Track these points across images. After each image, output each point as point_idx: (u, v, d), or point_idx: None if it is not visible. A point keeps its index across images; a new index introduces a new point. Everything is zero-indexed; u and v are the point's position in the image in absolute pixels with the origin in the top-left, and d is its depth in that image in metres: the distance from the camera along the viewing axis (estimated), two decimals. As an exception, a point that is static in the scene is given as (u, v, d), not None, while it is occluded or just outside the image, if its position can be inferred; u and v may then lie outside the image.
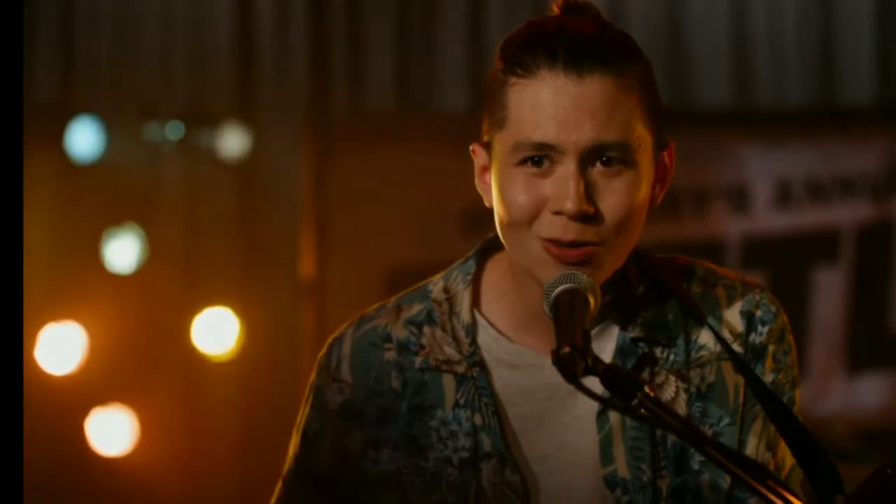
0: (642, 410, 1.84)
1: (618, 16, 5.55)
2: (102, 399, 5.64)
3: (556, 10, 2.08)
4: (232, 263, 5.72)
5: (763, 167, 5.90)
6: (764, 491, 1.79)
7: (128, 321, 5.64)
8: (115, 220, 5.66)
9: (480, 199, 2.11)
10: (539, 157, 1.97)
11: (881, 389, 5.91)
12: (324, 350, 2.17)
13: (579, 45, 1.97)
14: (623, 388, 1.85)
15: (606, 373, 1.85)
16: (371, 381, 2.11)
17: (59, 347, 5.60)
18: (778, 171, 5.90)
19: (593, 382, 1.85)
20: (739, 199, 5.90)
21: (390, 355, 2.11)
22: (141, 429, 5.66)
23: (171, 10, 5.62)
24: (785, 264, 5.91)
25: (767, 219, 5.90)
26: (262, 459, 5.34)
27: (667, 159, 2.07)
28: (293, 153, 5.79)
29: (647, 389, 1.84)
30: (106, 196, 5.69)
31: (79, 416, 5.65)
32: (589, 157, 1.97)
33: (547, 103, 1.96)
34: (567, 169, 1.96)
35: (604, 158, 1.97)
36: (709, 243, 5.88)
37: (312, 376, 2.17)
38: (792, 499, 1.78)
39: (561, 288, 1.93)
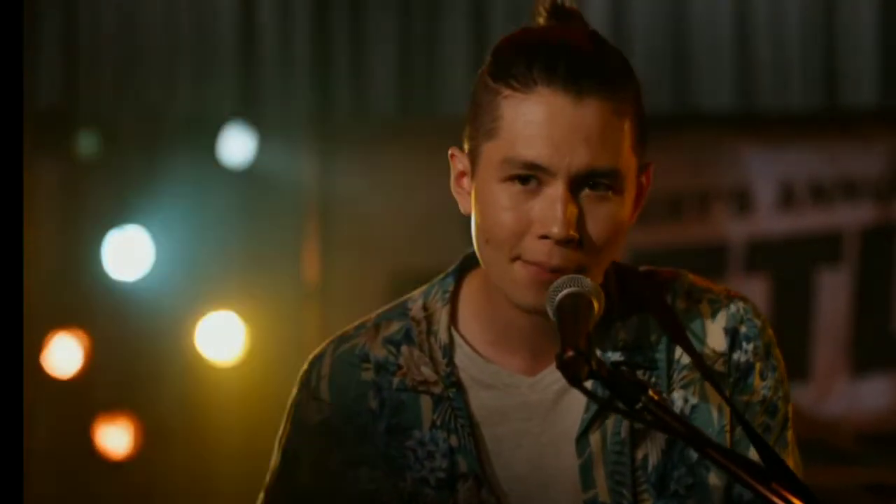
0: (646, 414, 1.84)
1: (619, 18, 5.54)
2: (107, 404, 5.65)
3: (542, 13, 2.05)
4: (235, 267, 5.72)
5: (765, 169, 5.90)
6: (768, 494, 1.78)
7: (132, 325, 5.64)
8: (118, 224, 5.67)
9: None
10: (527, 175, 1.95)
11: (885, 391, 5.91)
12: (304, 367, 2.16)
13: (579, 64, 1.95)
14: (627, 391, 1.84)
15: (610, 376, 1.84)
16: (349, 402, 2.10)
17: (66, 352, 5.60)
18: (780, 173, 5.90)
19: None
20: (742, 201, 5.90)
21: (368, 375, 2.10)
22: (145, 433, 5.66)
23: (174, 13, 5.62)
24: (788, 267, 5.91)
25: (770, 221, 5.90)
26: (266, 464, 5.34)
27: (644, 181, 2.05)
28: (296, 157, 5.79)
29: (651, 393, 1.84)
30: (109, 200, 5.70)
31: (84, 420, 5.66)
32: (579, 181, 1.94)
33: (542, 122, 1.94)
34: (556, 191, 1.94)
35: (592, 184, 1.95)
36: (711, 246, 5.88)
37: (293, 392, 2.16)
38: (796, 502, 1.77)
39: (565, 292, 1.92)
